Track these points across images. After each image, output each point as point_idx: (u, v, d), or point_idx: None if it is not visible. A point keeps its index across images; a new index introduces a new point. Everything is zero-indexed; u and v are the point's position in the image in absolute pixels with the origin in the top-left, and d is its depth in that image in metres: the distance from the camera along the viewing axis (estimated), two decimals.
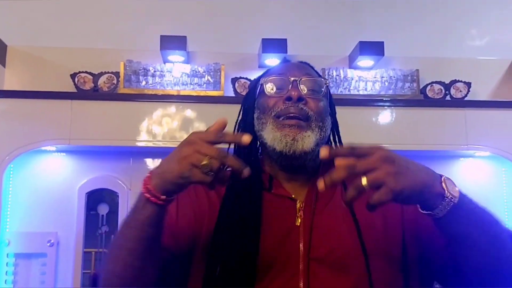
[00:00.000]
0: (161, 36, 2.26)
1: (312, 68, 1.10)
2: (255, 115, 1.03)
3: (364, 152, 0.75)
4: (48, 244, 2.18)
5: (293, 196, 0.99)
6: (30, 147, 2.13)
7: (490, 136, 2.32)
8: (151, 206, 0.81)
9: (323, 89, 1.02)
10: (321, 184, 0.75)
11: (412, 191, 0.75)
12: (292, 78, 1.00)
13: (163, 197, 0.81)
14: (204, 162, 0.76)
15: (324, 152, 0.76)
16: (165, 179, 0.80)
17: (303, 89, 0.99)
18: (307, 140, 0.95)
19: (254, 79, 1.13)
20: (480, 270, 0.85)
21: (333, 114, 1.07)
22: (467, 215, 0.79)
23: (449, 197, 0.77)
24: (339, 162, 0.75)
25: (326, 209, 0.97)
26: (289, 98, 0.98)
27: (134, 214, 0.84)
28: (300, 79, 1.00)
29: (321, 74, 1.19)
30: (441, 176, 0.79)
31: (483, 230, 0.81)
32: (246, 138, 0.81)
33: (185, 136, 2.56)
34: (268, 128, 0.98)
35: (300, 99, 0.97)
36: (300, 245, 0.93)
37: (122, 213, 2.24)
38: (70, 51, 2.39)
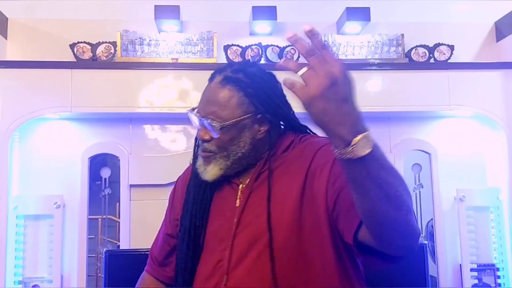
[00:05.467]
0: (155, 6, 2.34)
1: (236, 82, 1.13)
2: None
3: (328, 57, 0.77)
4: (55, 206, 2.31)
5: (240, 181, 1.20)
6: (33, 115, 2.24)
7: (472, 97, 2.41)
8: None
9: (226, 122, 1.11)
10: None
11: (319, 116, 0.77)
12: (198, 119, 1.15)
13: None
14: None
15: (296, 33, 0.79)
16: None
17: (207, 126, 1.14)
18: (211, 172, 1.16)
19: None
20: (372, 227, 0.89)
21: (273, 110, 1.16)
22: (366, 172, 0.80)
23: (349, 152, 0.78)
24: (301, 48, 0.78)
25: (258, 191, 1.16)
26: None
27: None
28: (204, 119, 1.13)
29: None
30: (362, 132, 0.79)
31: (382, 189, 0.82)
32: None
33: (179, 102, 2.62)
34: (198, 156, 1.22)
35: (204, 141, 1.16)
36: (234, 221, 1.15)
37: (124, 176, 2.36)
38: (69, 22, 2.47)
